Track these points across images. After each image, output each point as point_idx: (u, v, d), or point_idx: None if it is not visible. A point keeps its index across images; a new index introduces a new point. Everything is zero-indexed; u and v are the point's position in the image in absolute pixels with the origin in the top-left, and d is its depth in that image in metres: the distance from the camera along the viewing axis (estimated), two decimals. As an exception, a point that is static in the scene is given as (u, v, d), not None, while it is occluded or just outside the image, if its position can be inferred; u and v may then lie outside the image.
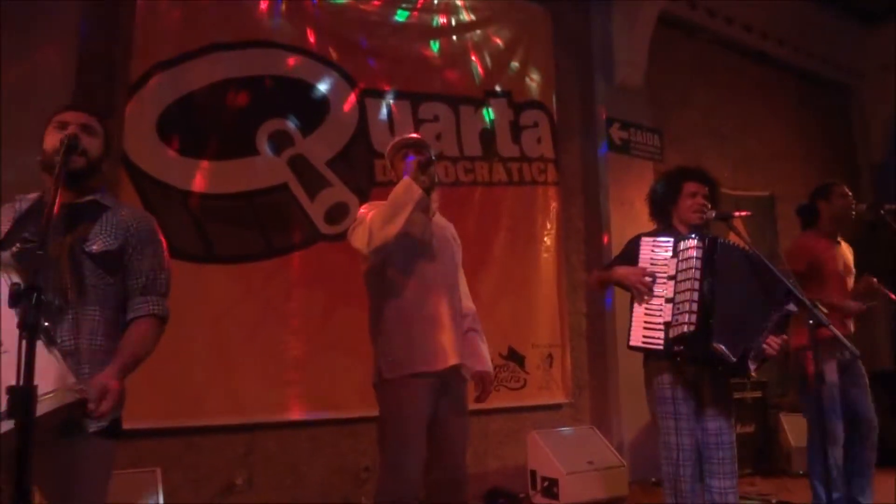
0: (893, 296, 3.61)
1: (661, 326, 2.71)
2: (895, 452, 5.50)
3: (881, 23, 7.92)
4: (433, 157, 2.68)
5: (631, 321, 2.82)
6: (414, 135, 2.86)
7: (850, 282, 3.76)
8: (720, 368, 2.74)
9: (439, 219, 2.82)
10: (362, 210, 2.64)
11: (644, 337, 2.75)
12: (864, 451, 3.58)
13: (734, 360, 2.60)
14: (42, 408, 1.46)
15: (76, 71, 3.87)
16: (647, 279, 2.77)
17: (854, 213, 3.76)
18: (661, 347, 2.70)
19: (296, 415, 4.24)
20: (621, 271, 2.87)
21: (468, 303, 2.86)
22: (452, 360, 2.56)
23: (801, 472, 5.20)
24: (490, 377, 2.79)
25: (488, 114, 5.39)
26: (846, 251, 3.83)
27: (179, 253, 4.05)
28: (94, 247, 1.84)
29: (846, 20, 7.97)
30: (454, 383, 2.61)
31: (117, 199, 2.08)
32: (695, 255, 2.68)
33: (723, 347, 2.58)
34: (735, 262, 2.74)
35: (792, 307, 2.67)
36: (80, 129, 1.91)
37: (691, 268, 2.67)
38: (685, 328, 2.61)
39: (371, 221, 2.45)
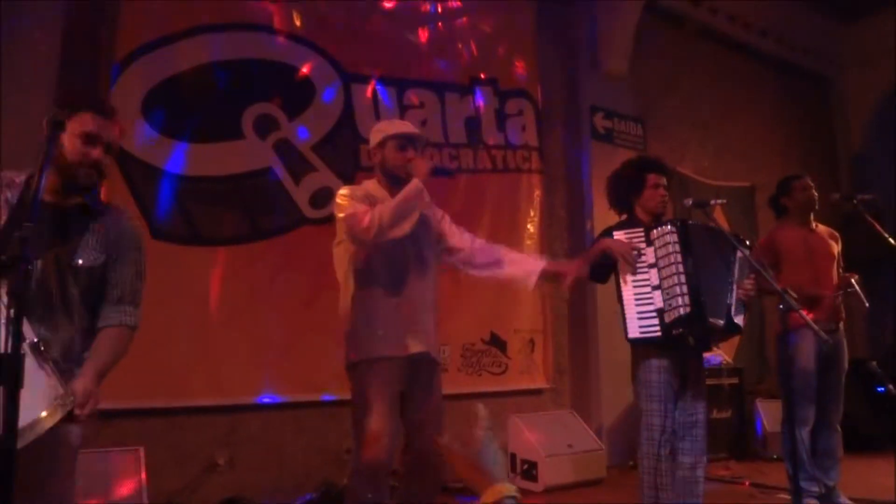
0: (866, 301, 3.73)
1: (654, 314, 2.82)
2: (868, 438, 5.67)
3: (862, 17, 8.02)
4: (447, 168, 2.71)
5: (623, 315, 2.90)
6: (410, 128, 2.77)
7: (833, 267, 3.84)
8: (714, 337, 2.98)
9: None
10: (345, 196, 2.60)
11: (640, 327, 2.85)
12: (829, 435, 3.70)
13: (722, 323, 2.78)
14: (42, 426, 1.54)
15: (61, 49, 3.86)
16: (633, 252, 2.89)
17: (818, 202, 3.88)
18: (659, 334, 2.81)
19: (278, 396, 4.28)
20: (608, 241, 2.97)
21: (467, 237, 2.86)
22: (416, 349, 2.58)
23: (774, 456, 5.33)
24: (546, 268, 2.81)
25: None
26: (826, 237, 3.91)
27: (164, 234, 4.08)
28: (81, 261, 1.85)
29: (828, 14, 8.05)
30: (423, 367, 2.63)
31: (103, 201, 2.04)
32: (672, 240, 2.82)
33: (718, 321, 2.77)
34: (704, 238, 2.90)
35: (740, 253, 2.86)
36: (105, 150, 1.88)
37: (671, 253, 2.81)
38: (681, 311, 2.74)
39: (381, 217, 2.44)
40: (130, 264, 1.96)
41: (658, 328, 2.81)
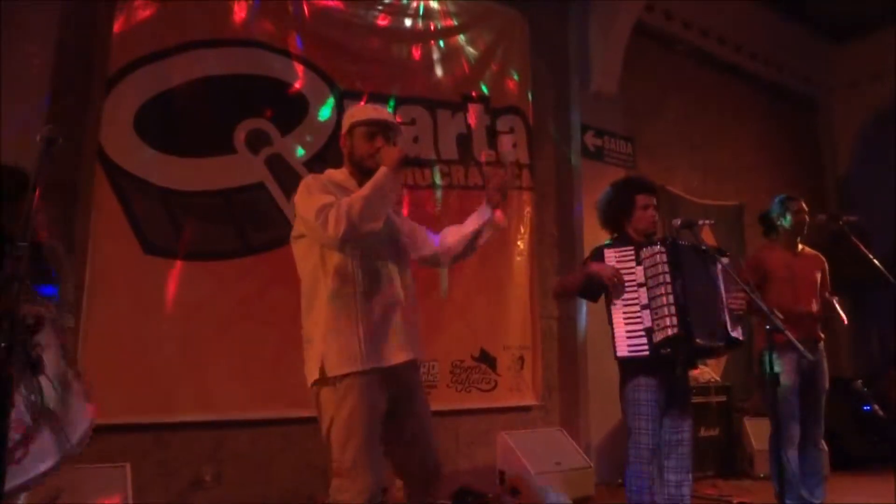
0: (845, 319, 3.85)
1: (643, 333, 2.84)
2: (854, 457, 5.71)
3: (850, 41, 8.16)
4: (420, 158, 2.57)
5: (613, 333, 2.94)
6: (381, 115, 2.51)
7: (813, 292, 3.87)
8: (706, 354, 2.95)
9: None
10: (308, 186, 2.34)
11: (629, 346, 2.88)
12: (813, 453, 3.73)
13: (721, 344, 2.84)
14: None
15: (54, 63, 3.87)
16: (620, 276, 2.92)
17: (807, 226, 3.92)
18: (647, 354, 2.84)
19: (266, 412, 4.25)
20: (596, 266, 3.00)
21: (437, 237, 2.69)
22: (401, 358, 2.33)
23: (762, 475, 5.34)
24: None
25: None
26: (810, 263, 3.95)
27: (154, 249, 4.08)
28: None
29: (816, 37, 8.19)
30: (406, 376, 2.39)
31: None
32: (661, 260, 2.84)
33: (705, 342, 2.79)
34: (693, 258, 2.93)
35: (725, 260, 2.92)
36: None
37: (660, 273, 2.84)
38: (669, 331, 2.77)
39: (349, 212, 2.17)
40: None
41: (647, 347, 2.84)
